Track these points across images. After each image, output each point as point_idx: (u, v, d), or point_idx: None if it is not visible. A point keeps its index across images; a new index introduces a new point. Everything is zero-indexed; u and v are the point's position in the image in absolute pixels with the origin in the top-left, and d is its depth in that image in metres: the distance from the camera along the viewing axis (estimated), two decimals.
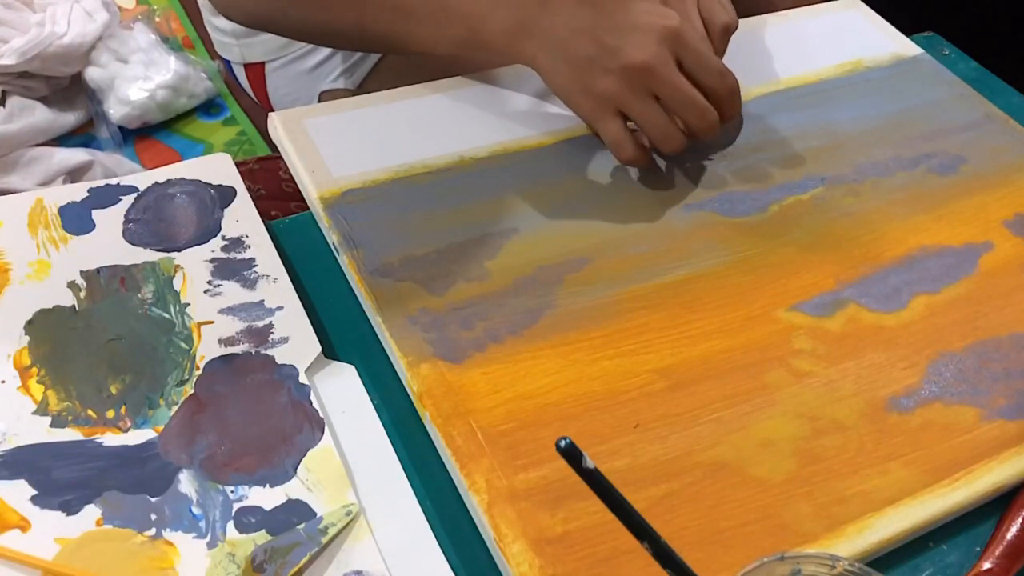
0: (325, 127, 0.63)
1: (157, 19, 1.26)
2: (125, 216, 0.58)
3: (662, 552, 0.35)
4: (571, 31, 0.58)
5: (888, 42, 0.78)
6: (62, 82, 1.17)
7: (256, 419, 0.48)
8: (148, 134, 1.19)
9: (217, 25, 0.94)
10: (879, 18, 0.80)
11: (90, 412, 0.48)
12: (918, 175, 0.66)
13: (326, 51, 0.89)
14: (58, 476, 0.45)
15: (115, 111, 1.15)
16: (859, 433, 0.50)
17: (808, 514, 0.46)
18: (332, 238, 0.57)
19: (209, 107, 1.23)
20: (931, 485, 0.48)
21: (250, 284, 0.55)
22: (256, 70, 0.94)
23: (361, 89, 0.89)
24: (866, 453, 0.49)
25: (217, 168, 0.61)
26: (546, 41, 0.59)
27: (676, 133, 0.59)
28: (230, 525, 0.44)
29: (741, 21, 0.67)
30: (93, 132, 1.18)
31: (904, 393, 0.52)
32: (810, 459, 0.48)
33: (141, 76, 1.17)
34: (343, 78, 0.90)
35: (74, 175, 1.08)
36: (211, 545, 0.44)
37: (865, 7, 0.81)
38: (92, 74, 1.16)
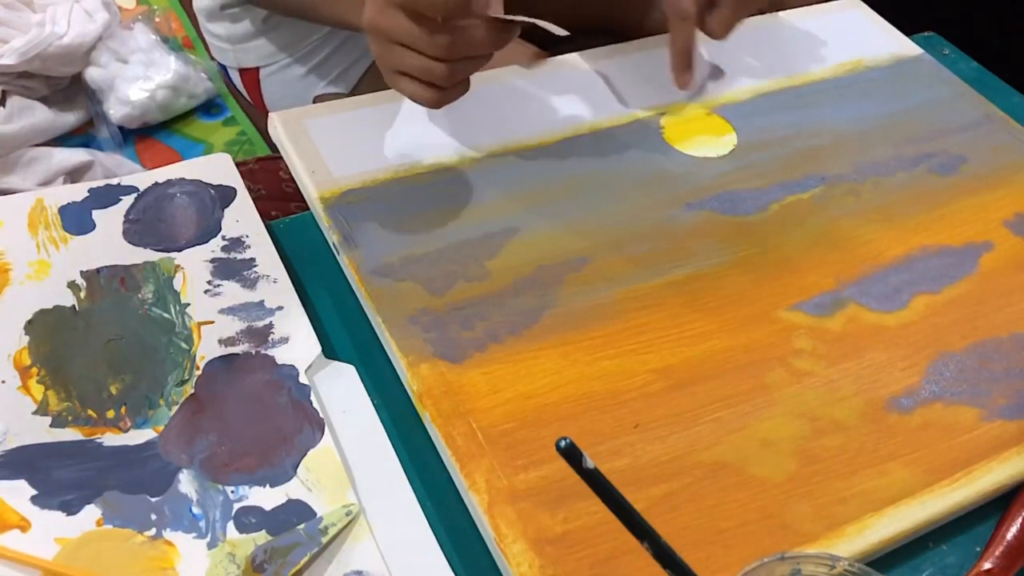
0: (325, 127, 0.63)
1: (157, 19, 1.26)
2: (125, 216, 0.58)
3: (662, 552, 0.35)
4: None
5: (888, 42, 0.78)
6: (62, 82, 1.17)
7: (256, 419, 0.48)
8: (148, 134, 1.20)
9: (212, 31, 0.94)
10: (879, 18, 0.80)
11: (90, 412, 0.48)
12: (918, 175, 0.66)
13: (319, 57, 0.89)
14: (58, 476, 0.45)
15: (115, 111, 1.15)
16: (859, 433, 0.50)
17: (808, 514, 0.46)
18: (332, 238, 0.57)
19: (209, 107, 1.24)
20: (931, 485, 0.48)
21: (250, 284, 0.55)
22: (251, 75, 0.94)
23: (354, 93, 0.89)
24: (866, 453, 0.49)
25: (217, 168, 0.61)
26: None
27: (430, 67, 0.56)
28: (230, 525, 0.44)
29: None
30: (93, 132, 1.18)
31: (904, 393, 0.52)
32: (810, 459, 0.48)
33: (141, 76, 1.17)
34: (337, 83, 0.90)
35: (74, 175, 1.08)
36: (211, 545, 0.44)
37: (865, 7, 0.81)
38: (92, 74, 1.17)
